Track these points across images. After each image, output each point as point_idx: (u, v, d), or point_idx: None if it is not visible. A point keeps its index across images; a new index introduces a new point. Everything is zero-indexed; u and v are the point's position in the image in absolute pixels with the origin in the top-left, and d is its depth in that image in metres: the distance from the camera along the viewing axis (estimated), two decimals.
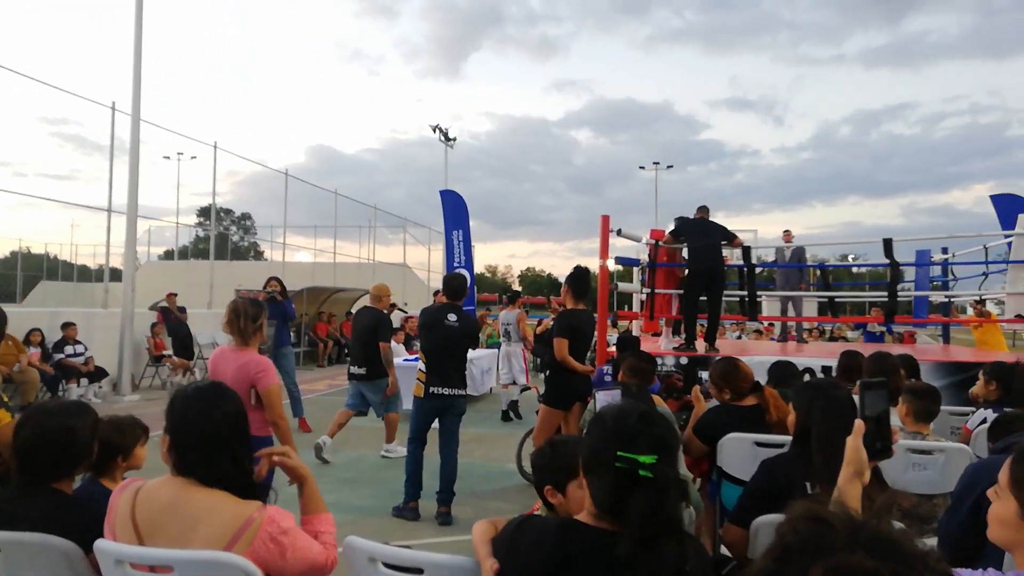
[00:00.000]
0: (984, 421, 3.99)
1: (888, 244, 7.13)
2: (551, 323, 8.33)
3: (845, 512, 0.77)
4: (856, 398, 2.65)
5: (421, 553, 1.78)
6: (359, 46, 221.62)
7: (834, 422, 2.33)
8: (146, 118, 11.55)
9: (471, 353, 9.22)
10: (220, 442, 1.80)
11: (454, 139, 24.50)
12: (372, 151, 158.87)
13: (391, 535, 4.50)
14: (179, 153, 30.57)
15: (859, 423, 1.63)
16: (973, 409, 4.52)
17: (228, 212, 60.79)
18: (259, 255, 44.82)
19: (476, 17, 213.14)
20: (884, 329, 11.81)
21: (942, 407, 4.68)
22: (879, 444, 1.64)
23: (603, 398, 2.15)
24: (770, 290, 10.56)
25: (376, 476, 6.11)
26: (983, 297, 9.03)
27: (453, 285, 5.32)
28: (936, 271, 9.99)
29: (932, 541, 3.01)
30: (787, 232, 10.43)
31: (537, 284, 77.84)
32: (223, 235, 41.89)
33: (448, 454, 5.07)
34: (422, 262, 26.92)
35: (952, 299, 9.93)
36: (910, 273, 10.06)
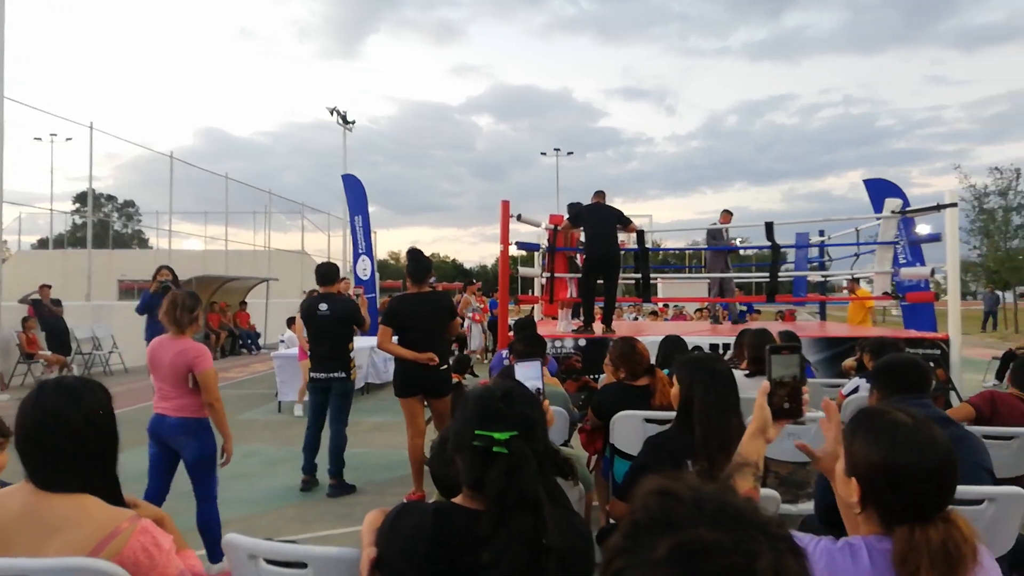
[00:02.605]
0: (856, 389, 4.29)
1: (769, 227, 7.52)
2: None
3: (693, 484, 0.78)
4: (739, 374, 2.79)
5: (304, 547, 1.72)
6: (248, 24, 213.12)
7: (714, 395, 2.42)
8: (11, 96, 10.59)
9: (368, 340, 9.11)
10: (81, 443, 1.67)
11: (352, 122, 23.82)
12: (266, 134, 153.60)
13: (285, 530, 4.38)
14: (52, 134, 28.12)
15: (765, 383, 1.70)
16: (846, 380, 4.86)
17: (110, 198, 56.87)
18: (144, 243, 42.19)
19: None
20: (745, 308, 12.42)
21: (818, 379, 5.01)
22: (787, 405, 1.70)
23: (521, 371, 2.15)
24: (702, 272, 10.56)
25: (270, 471, 5.91)
26: (855, 276, 9.71)
27: (321, 272, 5.58)
28: (814, 252, 10.64)
29: (808, 505, 3.24)
30: (725, 213, 9.61)
31: (442, 270, 77.42)
32: (103, 222, 39.20)
33: (335, 429, 5.40)
34: (321, 249, 26.15)
35: (828, 278, 10.61)
36: (792, 255, 10.67)
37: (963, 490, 2.21)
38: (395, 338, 4.90)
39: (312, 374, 5.46)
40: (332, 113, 23.27)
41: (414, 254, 5.05)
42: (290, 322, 10.35)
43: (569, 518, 1.54)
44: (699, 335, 6.93)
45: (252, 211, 23.63)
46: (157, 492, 3.71)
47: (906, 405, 2.32)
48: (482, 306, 15.60)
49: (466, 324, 13.33)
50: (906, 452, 1.32)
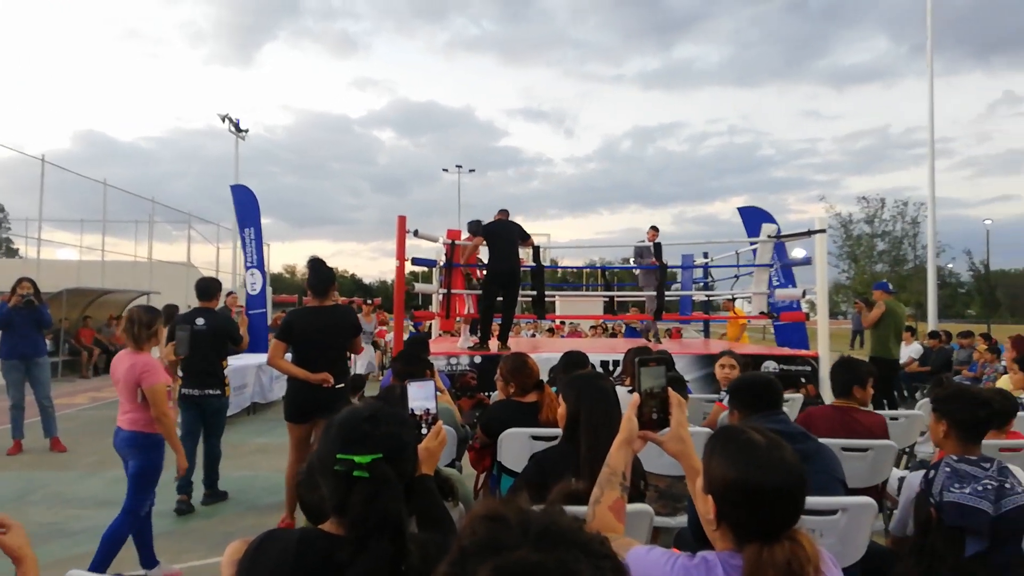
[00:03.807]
0: None
1: (658, 248, 7.83)
2: None
3: (521, 508, 0.78)
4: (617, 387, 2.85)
5: None
6: (134, 25, 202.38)
7: (600, 412, 2.46)
8: None
9: (256, 358, 8.75)
10: None
11: (246, 131, 23.00)
12: (152, 139, 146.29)
13: (158, 557, 4.09)
14: None
15: (635, 396, 1.74)
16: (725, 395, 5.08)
17: None
18: (12, 252, 38.91)
19: (269, 5, 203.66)
20: (644, 326, 12.87)
21: (697, 395, 5.21)
22: (655, 415, 1.74)
23: (413, 391, 2.08)
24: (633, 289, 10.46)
25: None
26: (734, 297, 10.24)
27: (200, 287, 5.56)
28: (698, 273, 11.15)
29: (685, 518, 3.34)
30: (652, 229, 9.23)
31: (340, 285, 75.39)
32: None
33: (211, 443, 5.49)
34: (210, 261, 24.88)
35: (711, 298, 11.13)
36: (679, 275, 11.16)
37: (819, 501, 2.35)
38: (289, 355, 4.61)
39: (184, 390, 5.33)
40: (224, 120, 22.39)
41: (315, 264, 4.66)
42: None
43: (439, 541, 1.51)
44: (601, 352, 7.06)
45: (134, 220, 22.20)
46: None
47: (764, 423, 2.45)
48: (377, 328, 15.32)
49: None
50: (757, 472, 1.37)
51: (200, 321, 5.35)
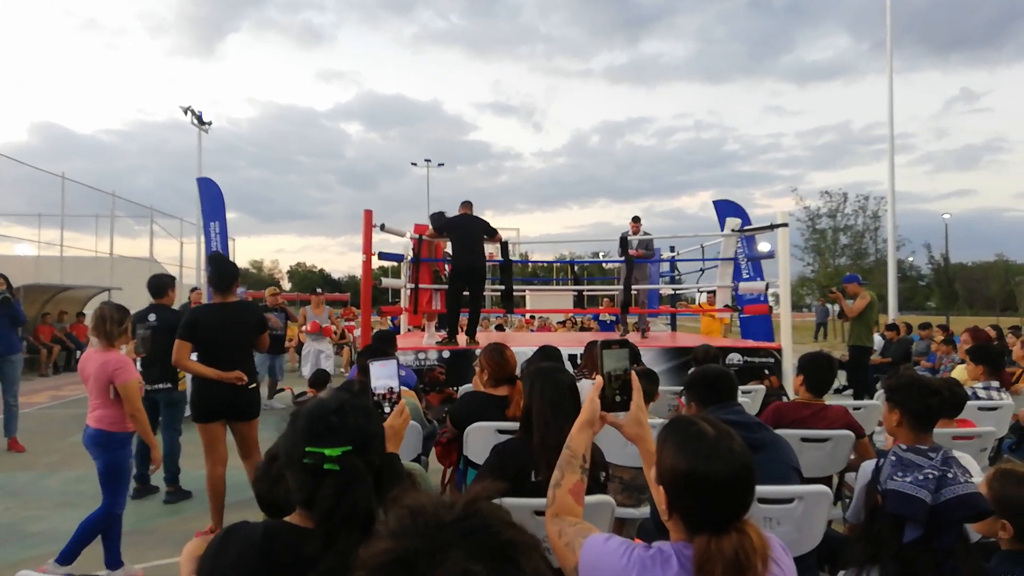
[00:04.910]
0: None
1: (624, 242, 7.87)
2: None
3: (440, 502, 0.81)
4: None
5: None
6: (93, 15, 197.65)
7: (551, 404, 2.47)
8: None
9: None
10: None
11: (209, 123, 22.56)
12: (112, 132, 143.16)
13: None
14: None
15: (599, 378, 1.75)
16: None
17: None
18: None
19: None
20: (615, 319, 12.99)
21: (662, 387, 5.26)
22: (619, 398, 1.77)
23: (376, 370, 2.06)
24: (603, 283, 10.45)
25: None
26: (701, 290, 10.37)
27: (151, 284, 5.65)
28: (665, 267, 11.26)
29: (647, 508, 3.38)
30: (633, 221, 8.59)
31: (309, 280, 74.68)
32: None
33: (169, 438, 5.52)
34: (173, 256, 24.45)
35: (678, 291, 11.25)
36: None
37: (775, 490, 2.40)
38: (194, 355, 4.39)
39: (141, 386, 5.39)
40: (186, 113, 21.97)
41: (216, 260, 4.61)
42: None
43: None
44: (569, 346, 7.07)
45: (94, 214, 21.69)
46: None
47: (720, 414, 2.49)
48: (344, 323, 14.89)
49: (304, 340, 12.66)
50: (705, 462, 1.37)
51: (152, 317, 5.45)
